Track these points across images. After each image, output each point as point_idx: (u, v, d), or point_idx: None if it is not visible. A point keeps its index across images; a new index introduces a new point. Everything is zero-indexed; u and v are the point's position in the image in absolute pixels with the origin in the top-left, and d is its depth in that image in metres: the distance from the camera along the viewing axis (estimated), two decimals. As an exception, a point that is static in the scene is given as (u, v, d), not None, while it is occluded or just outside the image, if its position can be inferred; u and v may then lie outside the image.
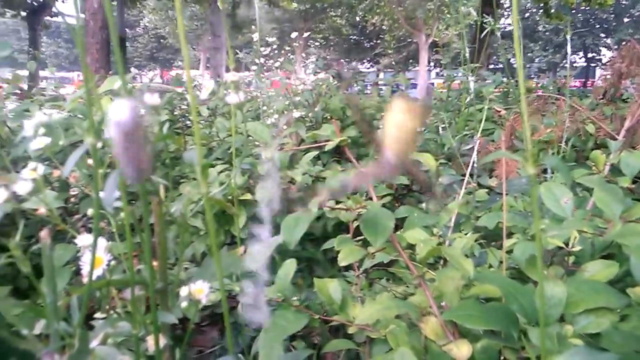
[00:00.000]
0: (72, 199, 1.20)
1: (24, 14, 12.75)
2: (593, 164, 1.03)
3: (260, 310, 0.28)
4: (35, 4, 11.48)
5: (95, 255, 0.32)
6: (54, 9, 12.54)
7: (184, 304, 0.39)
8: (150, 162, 0.24)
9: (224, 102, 1.75)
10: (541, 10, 8.47)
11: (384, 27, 21.41)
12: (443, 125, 1.89)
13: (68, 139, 0.59)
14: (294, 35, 1.94)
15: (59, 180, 1.11)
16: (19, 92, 1.35)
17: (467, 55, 1.35)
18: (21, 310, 0.52)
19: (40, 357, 0.29)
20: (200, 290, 0.41)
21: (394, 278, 1.13)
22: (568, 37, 1.09)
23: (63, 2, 13.17)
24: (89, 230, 0.99)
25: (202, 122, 1.96)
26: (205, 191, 0.35)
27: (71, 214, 1.14)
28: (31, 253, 0.49)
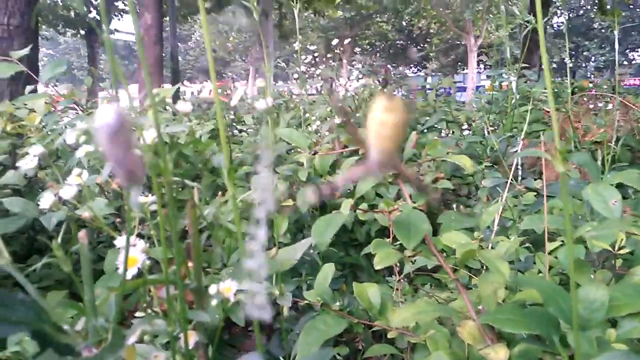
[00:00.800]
0: (126, 207, 1.25)
1: (82, 32, 13.49)
2: (647, 163, 0.98)
3: (263, 309, 0.29)
4: (94, 22, 12.10)
5: (127, 255, 0.34)
6: (111, 27, 13.18)
7: (214, 302, 0.41)
8: (141, 166, 0.25)
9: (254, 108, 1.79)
10: (595, 7, 8.10)
11: (431, 30, 21.15)
12: (490, 128, 1.85)
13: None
14: (335, 42, 1.96)
15: (113, 190, 1.17)
16: (76, 106, 1.43)
17: (509, 56, 1.31)
18: (74, 312, 0.55)
19: (79, 350, 0.31)
20: (228, 289, 0.42)
21: (439, 284, 1.11)
22: (616, 33, 1.05)
23: (119, 20, 13.82)
24: (140, 236, 1.03)
25: (247, 130, 2.00)
26: (232, 193, 0.36)
27: (124, 222, 1.19)
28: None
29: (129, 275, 0.41)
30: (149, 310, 0.44)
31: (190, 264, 0.43)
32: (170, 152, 0.63)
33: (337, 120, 1.56)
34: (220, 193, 0.56)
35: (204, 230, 0.50)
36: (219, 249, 0.92)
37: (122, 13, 12.72)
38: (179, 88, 1.42)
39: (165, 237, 0.40)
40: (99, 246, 1.17)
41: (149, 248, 0.45)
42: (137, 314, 0.45)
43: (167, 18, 8.26)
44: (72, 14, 12.51)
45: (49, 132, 1.09)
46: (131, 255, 0.42)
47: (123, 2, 11.93)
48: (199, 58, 27.97)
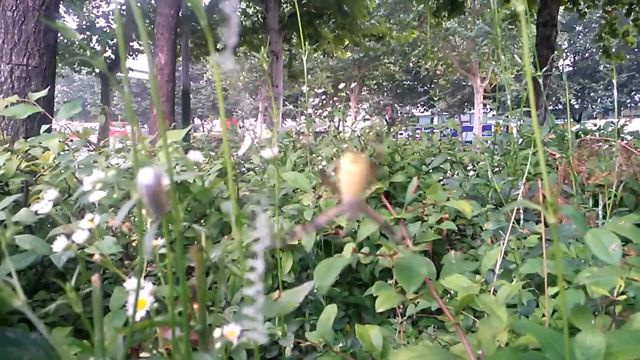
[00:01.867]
0: (134, 244, 1.27)
1: (97, 70, 13.85)
2: (648, 209, 0.99)
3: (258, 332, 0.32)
4: (109, 61, 12.43)
5: (137, 298, 0.36)
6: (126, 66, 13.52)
7: (217, 345, 0.42)
8: (168, 204, 0.31)
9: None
10: (601, 50, 8.25)
11: (437, 71, 21.50)
12: (495, 169, 1.86)
13: (123, 192, 0.65)
14: (341, 86, 2.01)
15: (119, 230, 1.19)
16: (88, 144, 1.47)
17: (509, 101, 1.35)
18: (79, 350, 0.56)
19: (87, 389, 0.32)
20: (232, 332, 0.43)
21: (443, 326, 1.11)
22: (614, 80, 1.08)
23: (134, 59, 14.19)
24: (148, 276, 1.05)
25: (255, 169, 2.03)
26: (238, 240, 0.38)
27: (130, 259, 1.21)
28: (91, 295, 0.54)
29: (137, 317, 0.43)
30: (154, 351, 0.45)
31: (195, 306, 0.45)
32: (181, 202, 0.65)
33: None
34: (227, 235, 0.57)
35: (209, 272, 0.51)
36: (223, 288, 0.93)
37: (136, 53, 13.08)
38: (190, 129, 1.46)
39: (172, 278, 0.42)
40: (104, 282, 1.19)
41: (155, 289, 0.46)
42: (143, 355, 0.46)
43: (180, 58, 8.49)
44: (88, 53, 12.87)
45: (62, 171, 1.12)
46: (140, 297, 0.43)
47: (138, 43, 12.29)
48: (211, 96, 28.52)
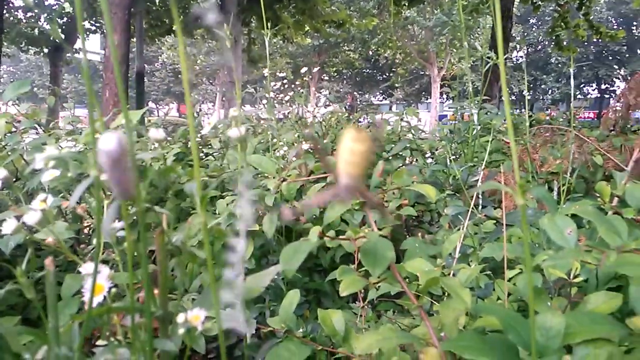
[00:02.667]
0: (86, 230, 1.22)
1: (46, 50, 13.22)
2: (598, 195, 1.03)
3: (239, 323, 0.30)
4: (58, 41, 11.90)
5: (95, 282, 0.34)
6: (75, 46, 12.98)
7: (181, 331, 0.40)
8: (133, 183, 0.27)
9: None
10: (553, 43, 8.55)
11: (396, 60, 21.71)
12: (452, 157, 1.90)
13: (78, 171, 0.62)
14: (304, 70, 1.99)
15: (73, 212, 1.14)
16: (37, 126, 1.39)
17: (472, 88, 1.37)
18: (29, 339, 0.53)
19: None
20: (197, 317, 0.42)
21: (402, 310, 1.13)
22: (571, 70, 1.11)
23: (85, 39, 13.62)
24: (104, 262, 1.01)
25: (214, 154, 1.99)
26: (203, 221, 0.37)
27: (83, 245, 1.16)
28: (41, 282, 0.51)
29: (94, 303, 0.40)
30: (112, 339, 0.43)
31: (156, 291, 0.43)
32: (143, 180, 0.63)
33: (305, 146, 1.58)
34: (189, 218, 0.56)
35: (171, 256, 0.49)
36: (181, 275, 0.90)
37: (87, 32, 12.55)
38: (145, 111, 1.41)
39: (132, 262, 0.40)
40: (55, 269, 1.13)
41: (113, 274, 0.44)
42: (100, 342, 0.44)
43: (134, 39, 8.21)
44: (37, 32, 12.27)
45: (9, 153, 1.06)
46: (97, 282, 0.41)
47: (89, 22, 11.78)
48: (166, 79, 27.75)
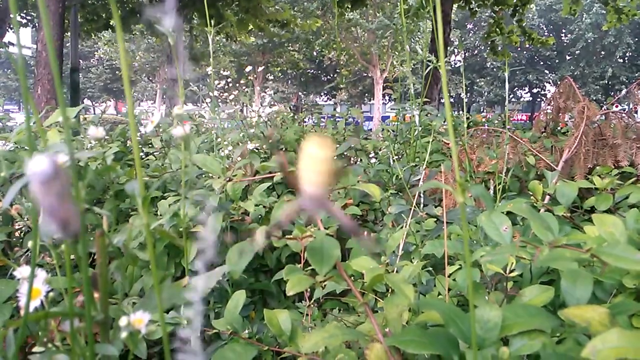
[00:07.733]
0: (17, 233, 1.16)
1: (-29, 43, 12.37)
2: (531, 194, 1.08)
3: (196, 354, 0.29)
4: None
5: (32, 286, 0.32)
6: (4, 40, 12.22)
7: (123, 334, 0.39)
8: (75, 213, 0.24)
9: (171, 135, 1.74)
10: (489, 48, 8.93)
11: (340, 62, 21.94)
12: (395, 157, 1.94)
13: (11, 171, 0.59)
14: (249, 69, 1.97)
15: (3, 214, 1.08)
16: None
17: (413, 90, 1.41)
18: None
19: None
20: (140, 321, 0.41)
21: (347, 308, 1.14)
22: (506, 74, 1.17)
23: (14, 32, 12.87)
24: (38, 266, 0.96)
25: (155, 153, 1.94)
26: (146, 222, 0.36)
27: (15, 248, 1.10)
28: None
29: (30, 308, 0.38)
30: (49, 345, 0.41)
31: (96, 295, 0.41)
32: (82, 180, 0.60)
33: (250, 145, 1.56)
34: (129, 220, 0.54)
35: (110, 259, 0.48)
36: (122, 278, 0.87)
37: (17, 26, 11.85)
38: (81, 109, 1.34)
39: (70, 266, 0.38)
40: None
41: (50, 277, 0.42)
42: (36, 349, 0.41)
43: (69, 34, 7.84)
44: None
45: None
46: (34, 286, 0.39)
47: (20, 15, 11.13)
48: (102, 76, 26.66)
